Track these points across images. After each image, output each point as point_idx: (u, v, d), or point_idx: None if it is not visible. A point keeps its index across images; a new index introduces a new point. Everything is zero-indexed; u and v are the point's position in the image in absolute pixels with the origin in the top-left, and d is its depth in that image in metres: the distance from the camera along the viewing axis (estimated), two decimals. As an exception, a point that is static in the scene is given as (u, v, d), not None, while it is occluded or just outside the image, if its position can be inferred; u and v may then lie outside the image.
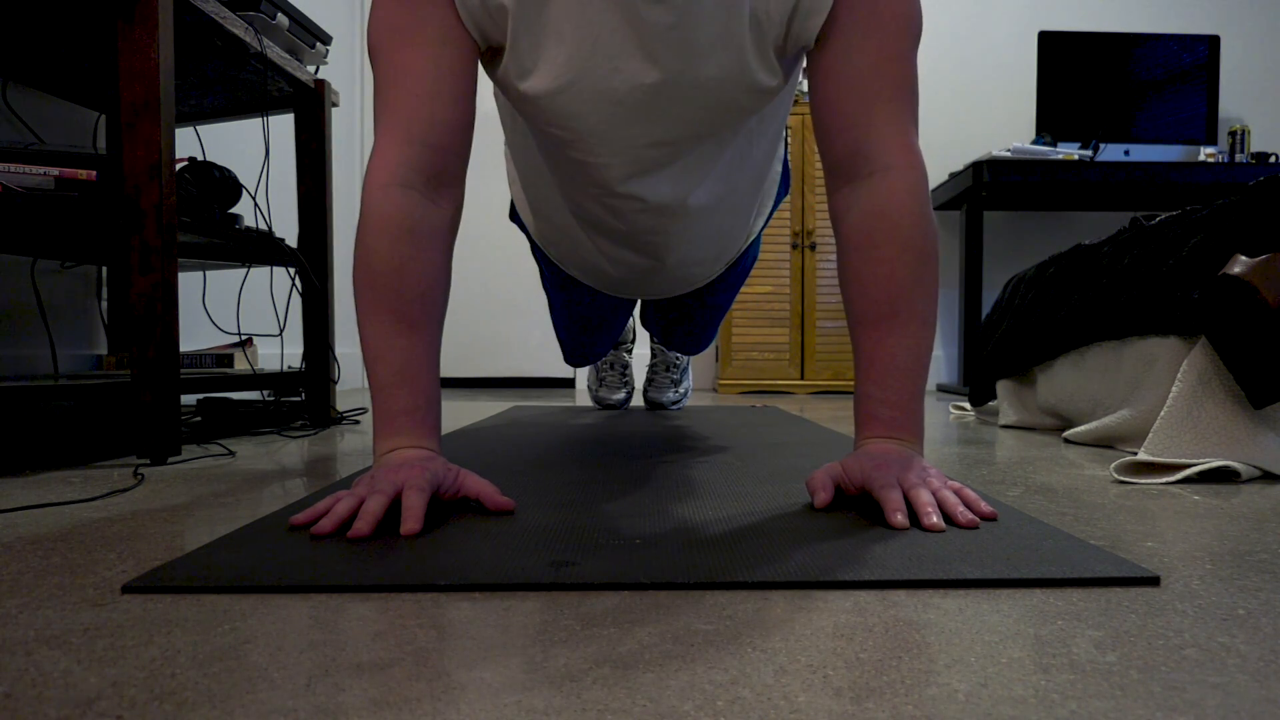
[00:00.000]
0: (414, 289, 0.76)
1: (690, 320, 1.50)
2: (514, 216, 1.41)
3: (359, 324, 0.79)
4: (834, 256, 3.09)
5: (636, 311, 2.79)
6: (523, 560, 0.58)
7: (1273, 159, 3.01)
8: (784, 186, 1.36)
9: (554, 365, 3.39)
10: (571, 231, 1.13)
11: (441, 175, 0.79)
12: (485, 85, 3.35)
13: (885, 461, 0.74)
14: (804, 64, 0.94)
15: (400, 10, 0.77)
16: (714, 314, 1.47)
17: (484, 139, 3.37)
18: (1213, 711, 0.36)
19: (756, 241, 1.34)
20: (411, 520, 0.65)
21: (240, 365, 1.99)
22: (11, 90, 1.59)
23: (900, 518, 0.67)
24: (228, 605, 0.50)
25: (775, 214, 2.51)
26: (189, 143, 2.15)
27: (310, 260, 1.68)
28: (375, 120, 0.80)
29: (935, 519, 0.67)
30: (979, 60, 3.39)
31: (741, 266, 1.35)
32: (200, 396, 1.79)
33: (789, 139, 2.98)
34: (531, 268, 3.40)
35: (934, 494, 0.71)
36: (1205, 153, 3.16)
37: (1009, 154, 2.89)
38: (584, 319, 1.48)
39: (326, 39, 1.68)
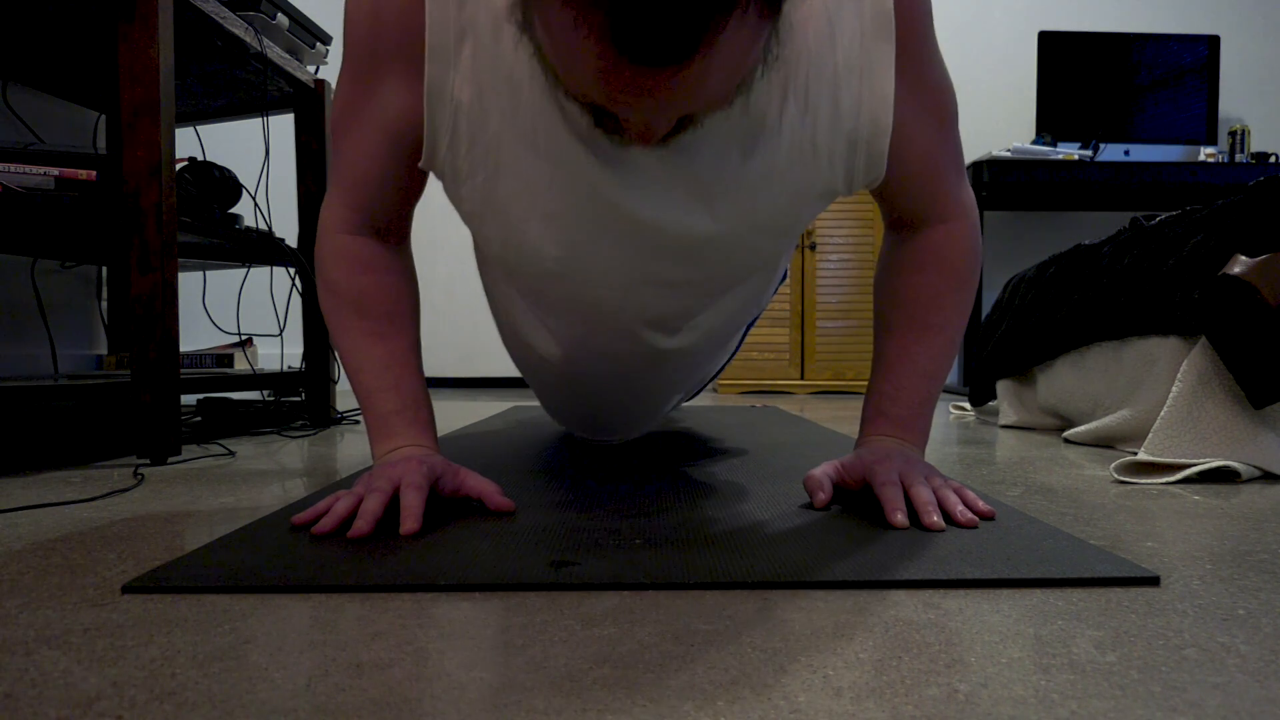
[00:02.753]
0: (379, 309, 0.78)
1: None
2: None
3: (335, 341, 0.79)
4: (834, 257, 3.10)
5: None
6: (523, 560, 0.58)
7: (1273, 159, 3.01)
8: (783, 274, 1.27)
9: (554, 365, 3.38)
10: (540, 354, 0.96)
11: (386, 227, 0.80)
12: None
13: (887, 458, 0.74)
14: None
15: (358, 90, 0.72)
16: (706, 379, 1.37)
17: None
18: (1213, 711, 0.36)
19: (750, 328, 1.22)
20: (410, 520, 0.65)
21: (240, 365, 1.99)
22: (11, 90, 1.59)
23: (900, 517, 0.67)
24: (228, 605, 0.50)
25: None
26: (189, 143, 2.15)
27: (310, 260, 1.68)
28: (329, 170, 0.79)
29: (935, 518, 0.67)
30: (979, 60, 3.39)
31: (734, 353, 1.23)
32: (200, 396, 1.79)
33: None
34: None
35: (934, 492, 0.71)
36: (1205, 153, 3.16)
37: (1009, 154, 2.89)
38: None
39: (326, 39, 1.68)
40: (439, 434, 1.49)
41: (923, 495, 0.70)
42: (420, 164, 0.72)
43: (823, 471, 0.78)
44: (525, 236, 0.73)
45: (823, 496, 0.75)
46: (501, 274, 0.83)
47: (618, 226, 0.71)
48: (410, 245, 0.84)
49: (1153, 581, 0.55)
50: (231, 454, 1.25)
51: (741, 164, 0.68)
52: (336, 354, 0.80)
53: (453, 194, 0.74)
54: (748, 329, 1.22)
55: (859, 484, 0.75)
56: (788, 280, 3.09)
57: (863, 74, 0.68)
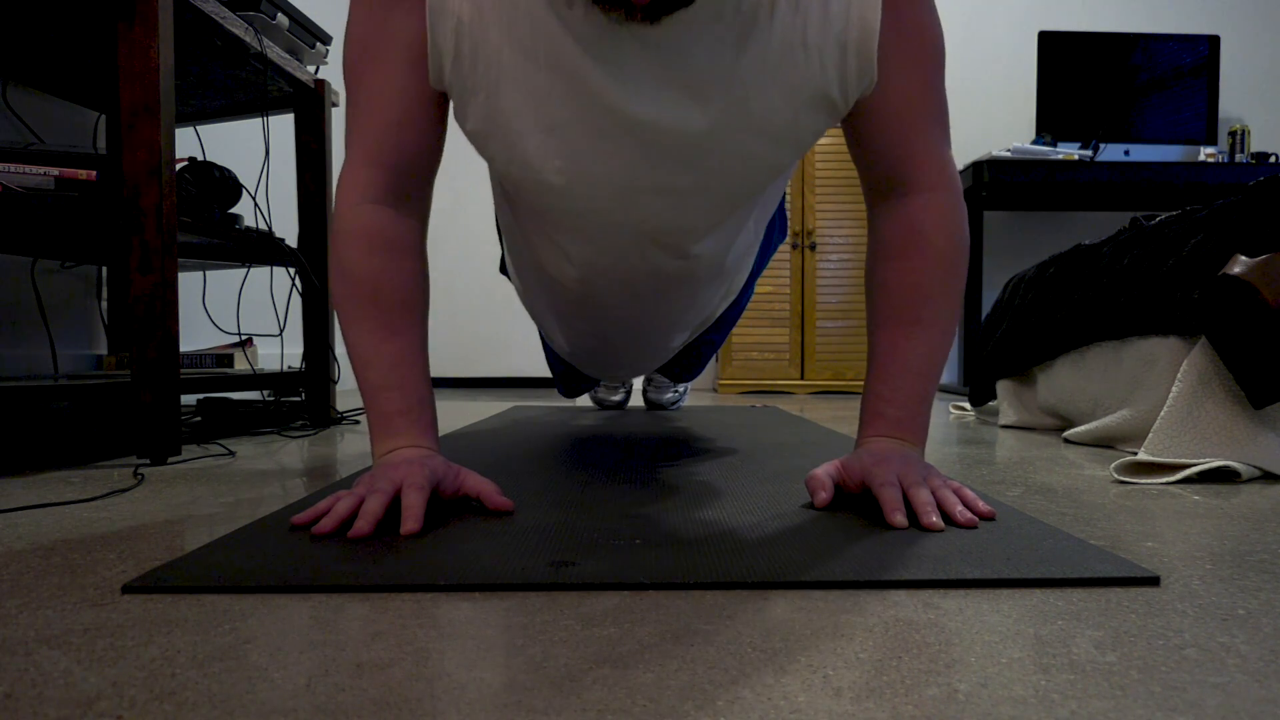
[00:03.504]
0: (392, 297, 0.77)
1: (686, 355, 1.43)
2: (504, 269, 1.33)
3: (343, 332, 0.79)
4: (834, 257, 3.10)
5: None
6: (523, 560, 0.58)
7: (1273, 159, 3.01)
8: (781, 229, 1.28)
9: (554, 365, 3.39)
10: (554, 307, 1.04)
11: (409, 191, 0.79)
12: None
13: (885, 459, 0.74)
14: None
15: (372, 25, 0.74)
16: (709, 348, 1.41)
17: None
18: (1213, 711, 0.36)
19: (753, 284, 1.29)
20: (411, 520, 0.65)
21: (240, 365, 1.99)
22: (11, 90, 1.59)
23: (899, 517, 0.67)
24: (228, 605, 0.50)
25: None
26: (189, 143, 2.15)
27: (310, 260, 1.68)
28: (346, 135, 0.79)
29: (934, 518, 0.67)
30: (979, 60, 3.39)
31: (739, 308, 1.30)
32: (200, 396, 1.79)
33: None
34: (531, 268, 3.39)
35: (933, 493, 0.71)
36: (1205, 153, 3.16)
37: (1009, 154, 2.89)
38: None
39: (326, 39, 1.68)
40: (439, 434, 1.49)
41: (921, 496, 0.70)
42: (429, 80, 0.74)
43: (824, 471, 0.78)
44: (527, 152, 0.75)
45: (824, 496, 0.75)
46: (511, 194, 0.85)
47: (616, 130, 0.73)
48: (426, 230, 0.84)
49: (1153, 581, 0.55)
50: (231, 454, 1.25)
51: (734, 59, 0.70)
52: (344, 344, 0.80)
53: (459, 114, 0.76)
54: (751, 287, 1.26)
55: (859, 486, 0.75)
56: (788, 280, 3.09)
57: None
